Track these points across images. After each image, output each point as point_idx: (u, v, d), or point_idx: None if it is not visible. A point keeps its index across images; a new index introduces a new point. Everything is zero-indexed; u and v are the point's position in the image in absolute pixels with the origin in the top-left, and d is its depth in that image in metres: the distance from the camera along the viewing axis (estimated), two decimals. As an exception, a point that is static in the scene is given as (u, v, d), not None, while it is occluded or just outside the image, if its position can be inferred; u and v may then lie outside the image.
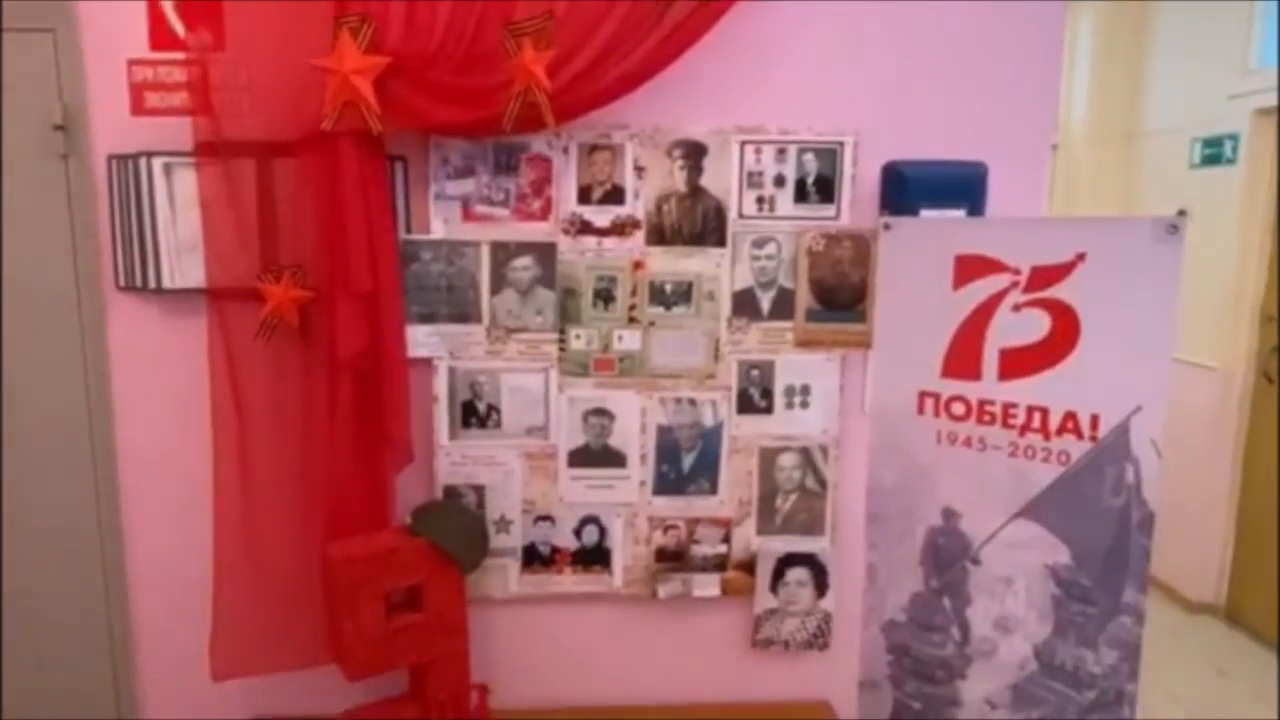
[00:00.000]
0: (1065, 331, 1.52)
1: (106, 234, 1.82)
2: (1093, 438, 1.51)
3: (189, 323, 1.82)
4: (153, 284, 1.80)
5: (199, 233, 1.76)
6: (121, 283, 1.82)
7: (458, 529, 1.85)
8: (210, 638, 1.82)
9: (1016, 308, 1.57)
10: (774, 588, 1.99)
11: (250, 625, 1.83)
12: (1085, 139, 4.06)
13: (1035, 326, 1.55)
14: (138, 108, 1.78)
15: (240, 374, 1.79)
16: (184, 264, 1.80)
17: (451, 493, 1.93)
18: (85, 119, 1.80)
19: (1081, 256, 1.51)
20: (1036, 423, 1.56)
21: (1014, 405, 1.58)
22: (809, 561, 1.99)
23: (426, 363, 1.89)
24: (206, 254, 1.76)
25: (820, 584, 2.00)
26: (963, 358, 1.62)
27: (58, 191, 1.81)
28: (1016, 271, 1.56)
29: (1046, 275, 1.54)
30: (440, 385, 1.90)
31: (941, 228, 1.71)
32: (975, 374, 1.62)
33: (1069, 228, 1.56)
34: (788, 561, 1.99)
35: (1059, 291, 1.53)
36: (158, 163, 1.76)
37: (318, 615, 1.82)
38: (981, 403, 1.62)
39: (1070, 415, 1.53)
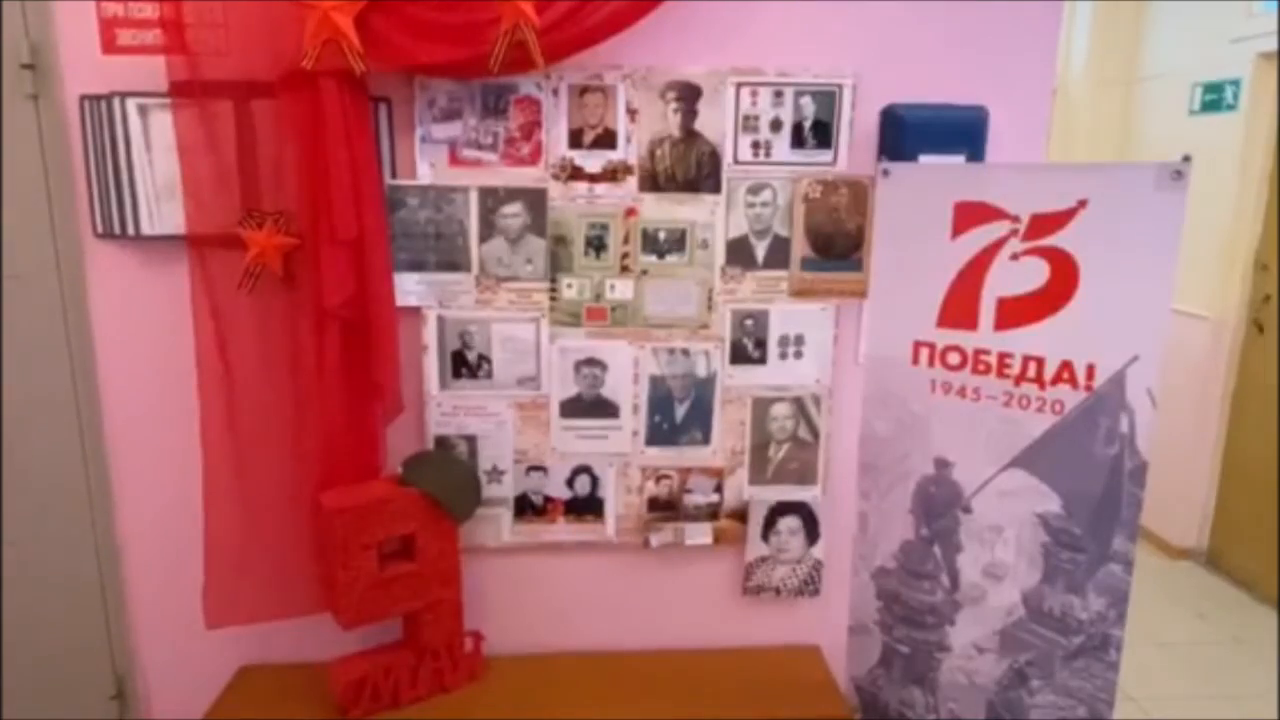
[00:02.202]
0: (1064, 280, 1.51)
1: (82, 179, 1.76)
2: (1088, 387, 1.51)
3: (171, 270, 1.77)
4: (131, 231, 1.75)
5: (177, 177, 1.70)
6: (99, 229, 1.77)
7: (450, 479, 1.85)
8: (203, 587, 1.82)
9: (1015, 256, 1.55)
10: (766, 536, 2.00)
11: (243, 574, 1.83)
12: (1084, 83, 3.99)
13: (1034, 275, 1.54)
14: (109, 46, 1.71)
15: (225, 324, 1.75)
16: (163, 210, 1.74)
17: (443, 443, 1.92)
18: (55, 58, 1.72)
19: (1083, 203, 1.49)
20: (1032, 372, 1.56)
21: (1010, 355, 1.58)
22: (801, 510, 2.00)
23: (415, 312, 1.86)
24: (185, 200, 1.70)
25: (811, 532, 2.01)
26: (959, 307, 1.62)
27: (29, 133, 1.74)
28: (1016, 219, 1.55)
29: (1046, 223, 1.52)
30: (429, 334, 1.87)
31: (941, 174, 1.68)
32: (972, 324, 1.61)
33: (1070, 174, 1.53)
34: (779, 510, 1.99)
35: (1059, 239, 1.51)
36: (132, 104, 1.70)
37: (310, 564, 1.82)
38: (977, 352, 1.61)
39: (1066, 365, 1.53)
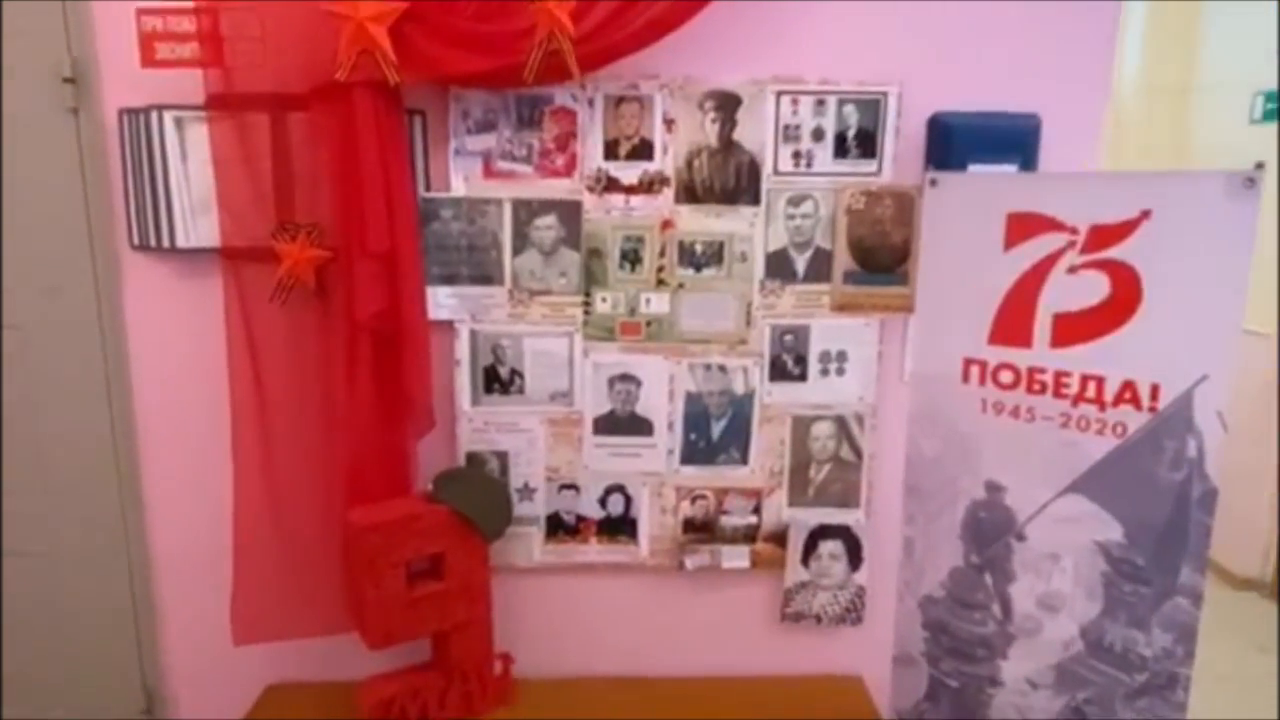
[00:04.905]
0: (1126, 295, 1.44)
1: (120, 191, 1.77)
2: (1152, 409, 1.43)
3: (205, 283, 1.77)
4: (166, 243, 1.76)
5: (212, 190, 1.71)
6: (135, 242, 1.77)
7: (480, 496, 1.82)
8: (231, 602, 1.81)
9: (1073, 269, 1.48)
10: (806, 560, 1.95)
11: (271, 590, 1.82)
12: (1137, 92, 3.88)
13: (1093, 290, 1.46)
14: (148, 59, 1.69)
15: (257, 337, 1.75)
16: (198, 223, 1.75)
17: (474, 459, 1.90)
18: (95, 72, 1.74)
19: (1146, 214, 1.41)
20: (1091, 392, 1.48)
21: (1067, 374, 1.50)
22: (843, 534, 1.94)
23: (448, 325, 1.84)
24: (220, 212, 1.71)
25: (854, 557, 1.95)
26: (1013, 323, 1.54)
27: (69, 147, 1.76)
28: (1074, 230, 1.47)
29: (1107, 234, 1.44)
30: (462, 349, 1.85)
31: (992, 184, 1.61)
32: (1026, 341, 1.53)
33: (1133, 183, 1.45)
34: (820, 534, 1.94)
35: (1120, 252, 1.43)
36: (169, 116, 1.71)
37: (339, 581, 1.80)
38: (1031, 371, 1.54)
39: (1129, 385, 1.45)
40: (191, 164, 1.73)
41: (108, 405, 1.86)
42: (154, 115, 1.71)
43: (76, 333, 1.82)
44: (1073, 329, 1.49)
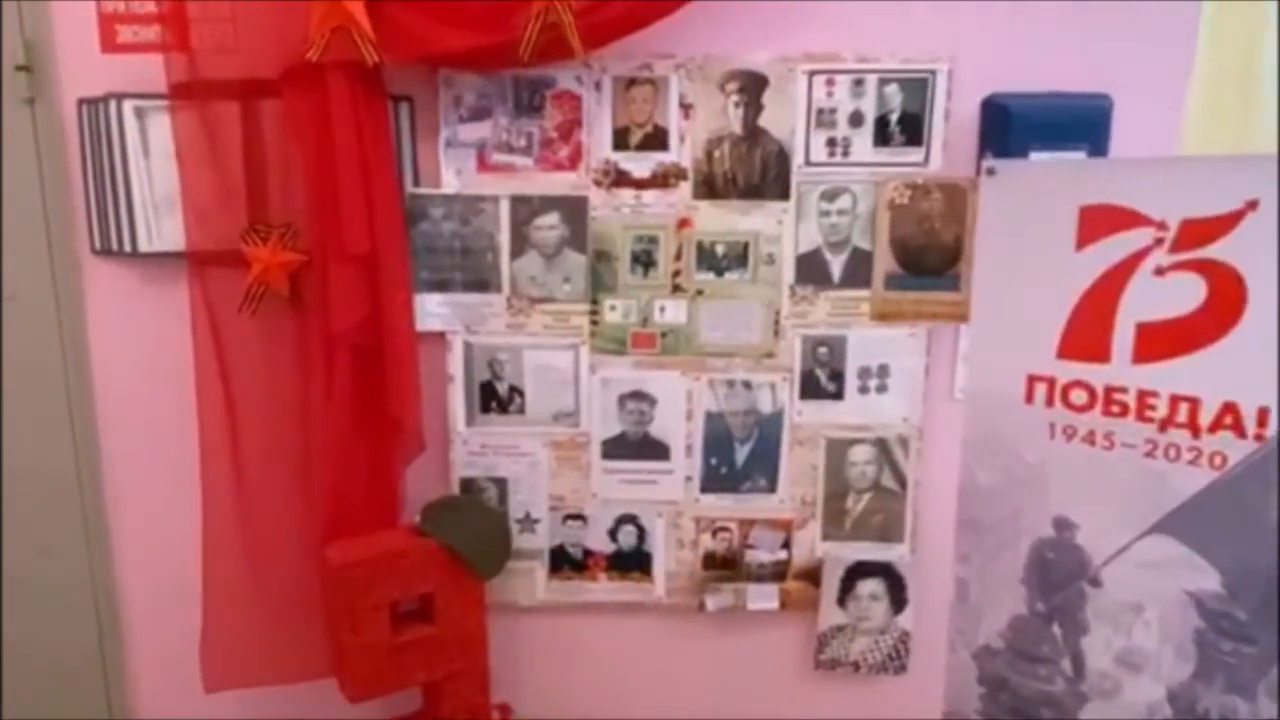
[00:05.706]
0: (1226, 301, 1.27)
1: (80, 190, 1.67)
2: (1259, 436, 1.26)
3: (171, 291, 1.67)
4: (128, 247, 1.65)
5: (176, 188, 1.60)
6: (97, 246, 1.68)
7: (475, 529, 1.73)
8: (200, 645, 1.72)
9: (1160, 271, 1.32)
10: (842, 601, 1.85)
11: (245, 632, 1.73)
12: (1196, 81, 3.68)
13: (1185, 295, 1.30)
14: (108, 43, 1.60)
15: (227, 352, 1.66)
16: (162, 224, 1.64)
17: (469, 486, 1.82)
18: (52, 58, 1.63)
19: (1252, 205, 1.24)
20: (1183, 416, 1.32)
21: (1153, 394, 1.35)
22: (884, 572, 1.84)
23: (439, 337, 1.75)
24: (185, 212, 1.61)
25: (897, 598, 1.85)
26: (1087, 334, 1.40)
27: (25, 141, 1.65)
28: (1162, 225, 1.31)
29: (1203, 230, 1.28)
30: (455, 363, 1.76)
31: (1062, 173, 1.47)
32: (1103, 354, 1.39)
33: (1234, 168, 1.29)
34: (859, 571, 1.84)
35: (1219, 250, 1.27)
36: (128, 106, 1.59)
37: (319, 623, 1.70)
38: (1110, 390, 1.38)
39: (1229, 407, 1.28)
40: (154, 159, 1.63)
41: (69, 423, 1.76)
42: (112, 105, 1.60)
43: (34, 344, 1.72)
44: (1160, 341, 1.34)
